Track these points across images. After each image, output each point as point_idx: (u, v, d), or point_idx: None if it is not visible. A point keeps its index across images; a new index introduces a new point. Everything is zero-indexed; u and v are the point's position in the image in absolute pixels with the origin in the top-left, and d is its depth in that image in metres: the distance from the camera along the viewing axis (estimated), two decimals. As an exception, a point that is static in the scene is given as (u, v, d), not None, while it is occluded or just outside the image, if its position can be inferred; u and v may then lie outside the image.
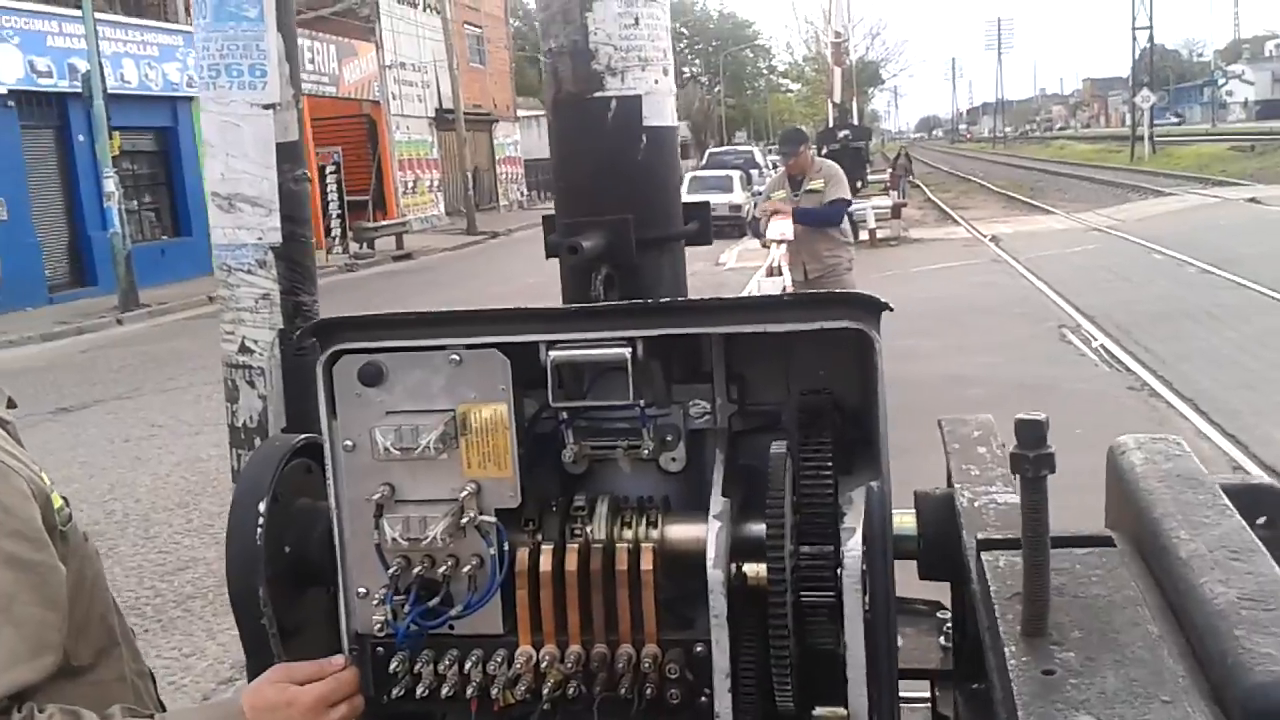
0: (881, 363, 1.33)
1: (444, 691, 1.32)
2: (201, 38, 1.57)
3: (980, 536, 1.10)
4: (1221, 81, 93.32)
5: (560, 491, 1.42)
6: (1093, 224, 21.39)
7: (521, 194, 47.48)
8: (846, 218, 8.12)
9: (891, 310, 1.31)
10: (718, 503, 1.29)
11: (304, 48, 29.10)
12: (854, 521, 1.25)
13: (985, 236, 20.14)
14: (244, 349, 1.67)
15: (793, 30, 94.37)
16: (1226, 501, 1.04)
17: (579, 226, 1.51)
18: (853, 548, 1.21)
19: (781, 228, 7.19)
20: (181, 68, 23.55)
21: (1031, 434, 0.94)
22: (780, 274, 5.71)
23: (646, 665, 1.30)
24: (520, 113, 55.52)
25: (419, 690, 1.32)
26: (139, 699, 1.41)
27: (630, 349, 1.31)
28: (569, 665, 1.31)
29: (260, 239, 1.60)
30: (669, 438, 1.42)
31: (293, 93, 1.60)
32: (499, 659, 1.34)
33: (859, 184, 20.65)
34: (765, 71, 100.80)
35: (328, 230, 26.06)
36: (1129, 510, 1.12)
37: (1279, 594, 0.85)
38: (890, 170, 27.54)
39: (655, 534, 1.36)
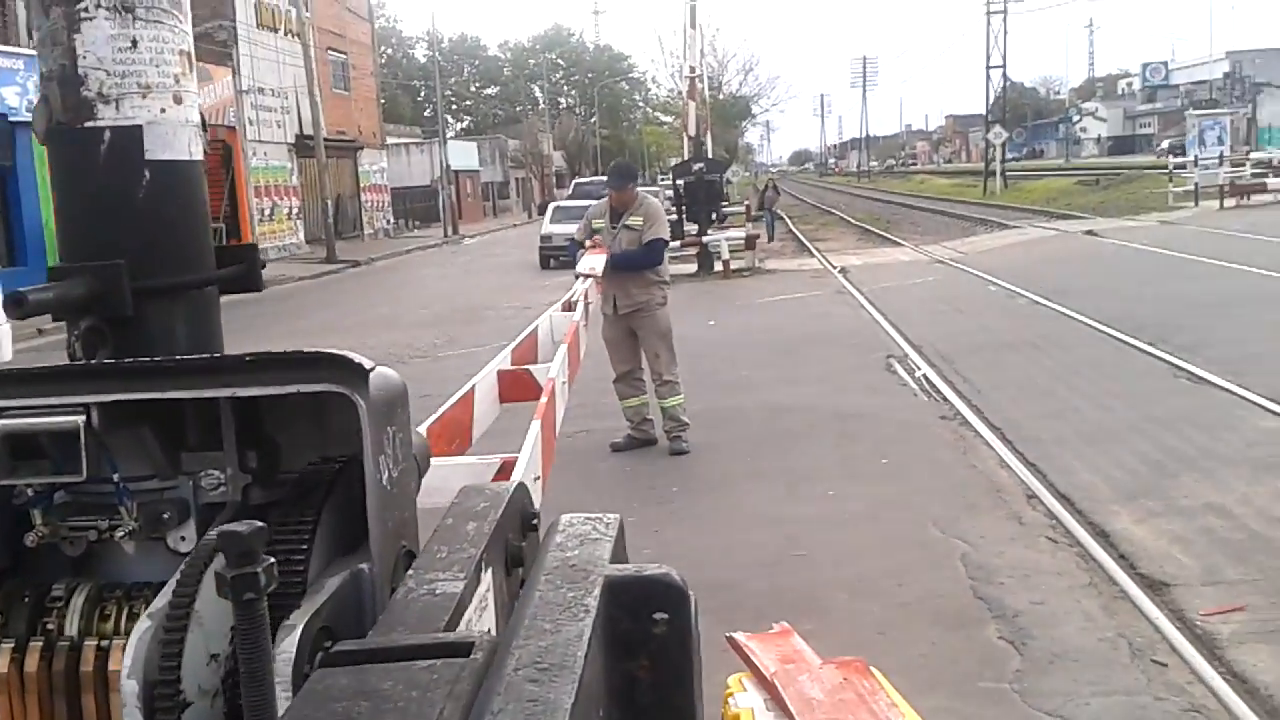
0: (373, 429, 1.19)
1: None
2: None
3: (338, 648, 0.94)
4: (1076, 118, 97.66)
5: (54, 577, 1.26)
6: (938, 256, 21.99)
7: (388, 222, 46.76)
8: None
9: (371, 369, 1.18)
10: (161, 597, 1.12)
11: (153, 70, 28.12)
12: (300, 616, 1.09)
13: (835, 268, 20.50)
14: None
15: (659, 64, 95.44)
16: (592, 601, 0.92)
17: (65, 272, 1.34)
18: (285, 649, 1.05)
19: (592, 263, 7.08)
20: (21, 92, 22.56)
21: (235, 548, 0.80)
22: (573, 310, 5.57)
23: None
24: (390, 140, 54.81)
25: None
26: None
27: (85, 416, 1.17)
28: None
29: None
30: (167, 514, 1.27)
31: None
32: None
33: (714, 216, 20.80)
34: (640, 104, 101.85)
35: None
36: None
37: None
38: (752, 203, 27.89)
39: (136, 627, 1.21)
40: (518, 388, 3.93)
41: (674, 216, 22.24)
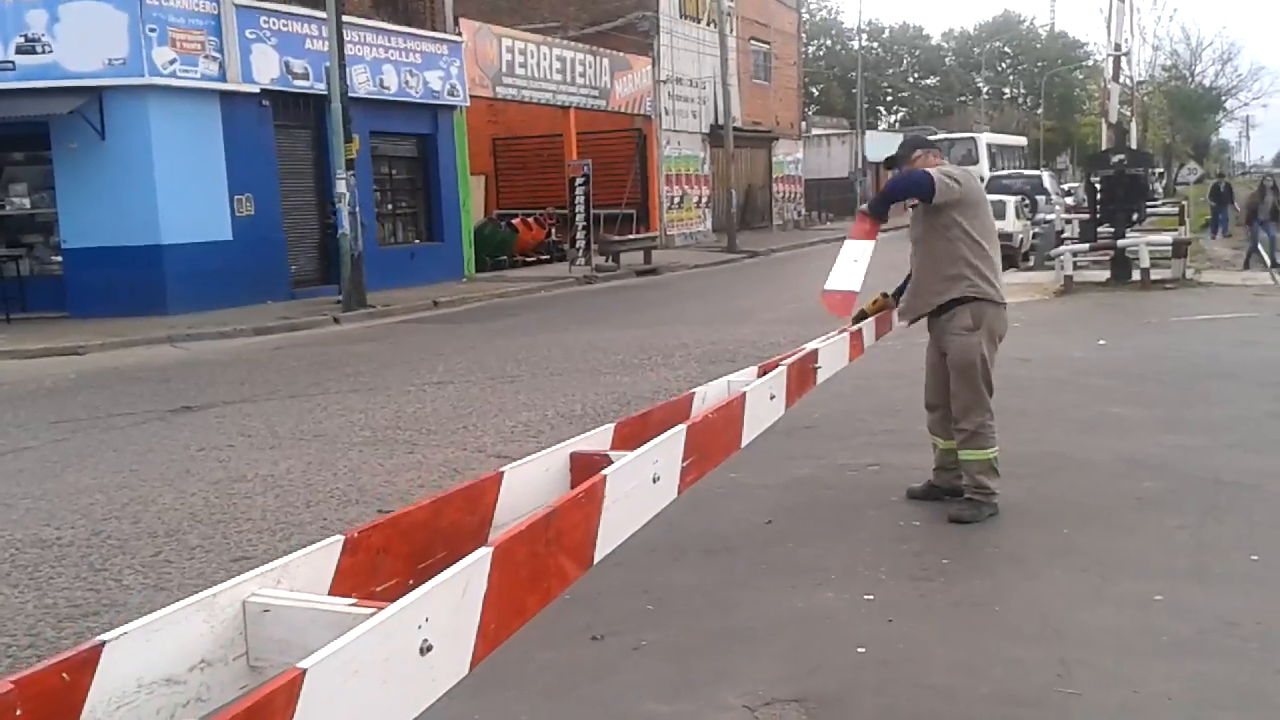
0: None
1: None
2: None
3: None
4: None
5: None
6: None
7: (799, 214, 46.09)
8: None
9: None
10: None
11: (575, 61, 29.27)
12: None
13: (1290, 285, 17.00)
14: None
15: (1099, 48, 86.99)
16: None
17: None
18: None
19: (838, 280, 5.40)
20: (444, 76, 24.04)
21: None
22: (767, 374, 3.94)
23: None
24: (816, 131, 54.27)
25: None
26: None
27: None
28: None
29: None
30: None
31: None
32: None
33: (1135, 216, 17.97)
34: (1096, 95, 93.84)
35: (573, 242, 25.93)
36: None
37: None
38: (1243, 207, 23.92)
39: None
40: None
41: (1086, 216, 19.62)
